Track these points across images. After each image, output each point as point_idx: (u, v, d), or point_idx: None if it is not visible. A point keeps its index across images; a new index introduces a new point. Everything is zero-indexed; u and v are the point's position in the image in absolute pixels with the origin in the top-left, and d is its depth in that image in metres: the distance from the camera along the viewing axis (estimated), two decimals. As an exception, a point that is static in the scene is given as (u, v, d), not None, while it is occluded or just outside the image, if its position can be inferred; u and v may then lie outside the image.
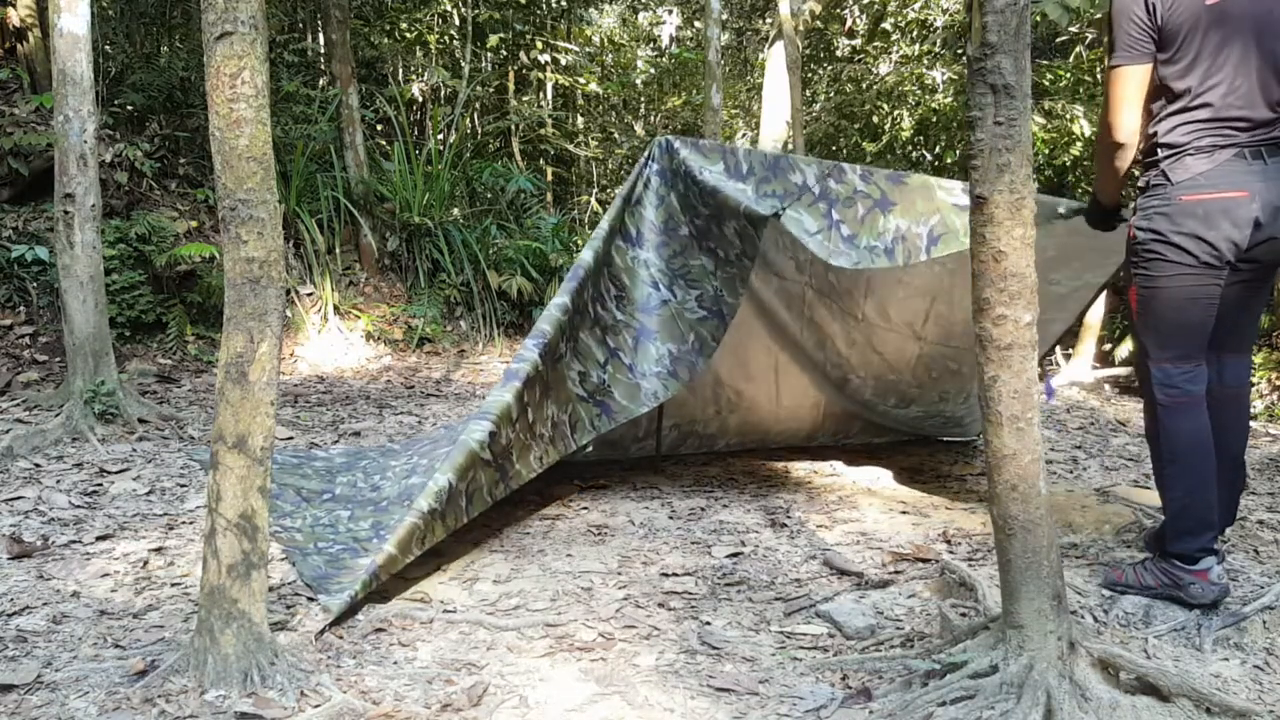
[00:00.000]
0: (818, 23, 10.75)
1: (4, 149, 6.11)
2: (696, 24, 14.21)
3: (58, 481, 3.81)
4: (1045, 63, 9.51)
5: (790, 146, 8.69)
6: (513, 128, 11.53)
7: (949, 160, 10.64)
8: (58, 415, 4.55)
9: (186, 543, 3.16)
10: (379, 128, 9.73)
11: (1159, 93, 2.54)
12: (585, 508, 3.74)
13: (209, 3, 2.09)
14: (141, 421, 4.73)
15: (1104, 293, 5.61)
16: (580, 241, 9.33)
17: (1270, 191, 2.44)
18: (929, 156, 11.03)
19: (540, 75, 12.08)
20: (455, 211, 8.74)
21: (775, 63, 8.76)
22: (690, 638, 2.50)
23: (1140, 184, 2.61)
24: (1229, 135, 2.46)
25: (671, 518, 3.63)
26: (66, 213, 4.64)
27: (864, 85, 11.74)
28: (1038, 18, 6.74)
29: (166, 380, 5.88)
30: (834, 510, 3.75)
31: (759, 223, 3.15)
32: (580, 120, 13.67)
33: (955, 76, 10.53)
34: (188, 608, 2.59)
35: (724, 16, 11.26)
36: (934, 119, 10.74)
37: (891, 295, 4.07)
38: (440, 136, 9.46)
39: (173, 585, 2.78)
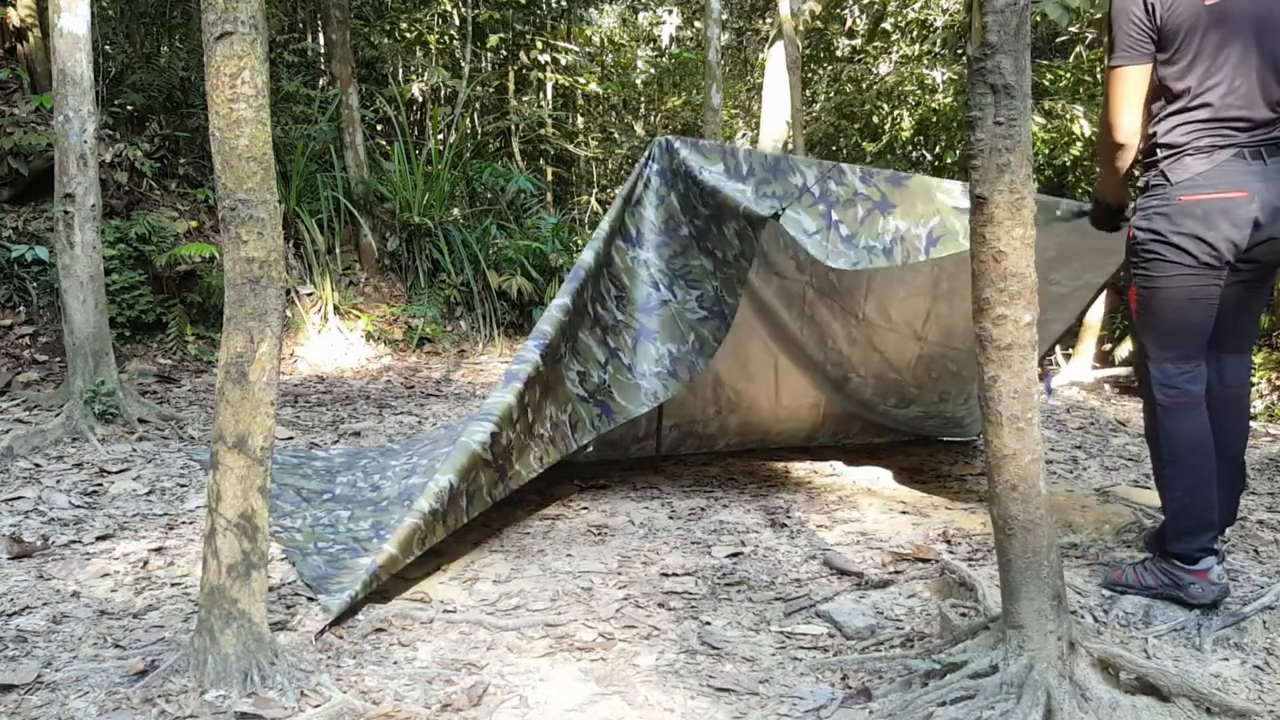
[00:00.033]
0: (818, 23, 10.75)
1: (4, 149, 6.11)
2: (696, 24, 14.22)
3: (58, 481, 3.81)
4: (1045, 63, 9.51)
5: (790, 146, 8.70)
6: (513, 128, 11.53)
7: (949, 160, 10.63)
8: (58, 415, 4.55)
9: (186, 543, 3.16)
10: (379, 128, 9.73)
11: (1158, 93, 2.54)
12: (585, 508, 3.74)
13: (209, 3, 2.09)
14: (141, 421, 4.73)
15: (1104, 293, 5.62)
16: (580, 241, 9.33)
17: (1270, 192, 2.44)
18: (929, 156, 11.03)
19: (540, 75, 12.08)
20: (455, 211, 8.74)
21: (775, 63, 8.76)
22: (690, 638, 2.50)
23: (1140, 184, 2.62)
24: (1228, 135, 2.46)
25: (671, 518, 3.63)
26: (66, 213, 4.64)
27: (864, 85, 11.74)
28: (1038, 18, 6.74)
29: (166, 380, 5.89)
30: (834, 510, 3.75)
31: (758, 223, 3.15)
32: (580, 120, 13.67)
33: (955, 76, 10.53)
34: (188, 608, 2.59)
35: (724, 16, 11.26)
36: (934, 119, 10.74)
37: (892, 295, 4.07)
38: (440, 136, 9.46)
39: (173, 585, 2.79)
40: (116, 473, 3.98)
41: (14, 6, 6.67)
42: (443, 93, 10.67)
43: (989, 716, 1.94)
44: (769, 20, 11.65)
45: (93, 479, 3.88)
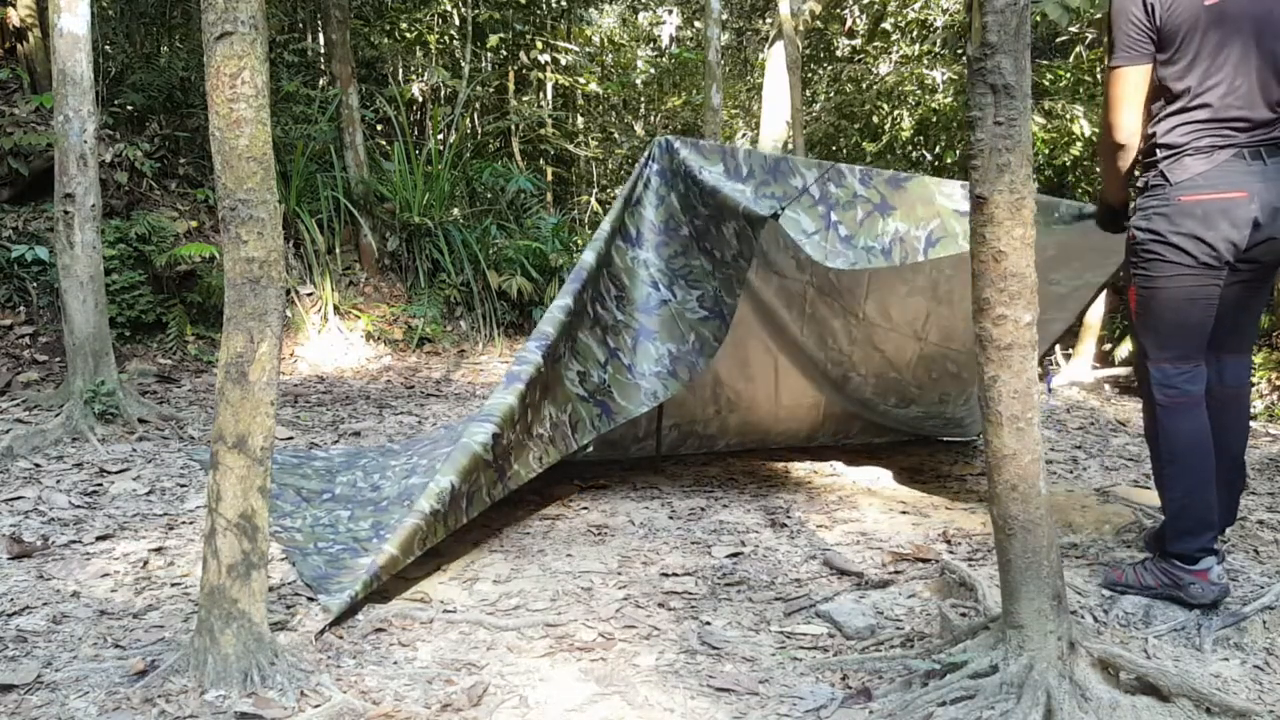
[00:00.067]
0: (818, 23, 10.75)
1: (4, 149, 6.11)
2: (696, 24, 14.22)
3: (58, 481, 3.81)
4: (1045, 63, 9.51)
5: (790, 146, 8.70)
6: (513, 128, 11.53)
7: (949, 160, 10.63)
8: (58, 415, 4.55)
9: (186, 543, 3.16)
10: (379, 128, 9.73)
11: (1158, 93, 2.54)
12: (585, 508, 3.74)
13: (209, 3, 2.09)
14: (141, 421, 4.73)
15: (1104, 292, 5.62)
16: (580, 241, 9.33)
17: (1269, 192, 2.44)
18: (929, 156, 11.03)
19: (540, 75, 12.08)
20: (455, 211, 8.74)
21: (775, 63, 8.76)
22: (690, 638, 2.50)
23: (1139, 184, 2.62)
24: (1228, 136, 2.46)
25: (671, 518, 3.63)
26: (66, 213, 4.64)
27: (864, 85, 11.74)
28: (1038, 18, 6.74)
29: (166, 380, 5.89)
30: (834, 510, 3.75)
31: (757, 223, 3.15)
32: (580, 120, 13.67)
33: (955, 76, 10.53)
34: (188, 608, 2.59)
35: (724, 16, 11.26)
36: (934, 119, 10.74)
37: (893, 295, 4.07)
38: (440, 136, 9.46)
39: (173, 585, 2.79)
40: (116, 473, 3.98)
41: (14, 6, 6.67)
42: (443, 93, 10.67)
43: (989, 716, 1.94)
44: (769, 20, 11.65)
45: (93, 479, 3.88)
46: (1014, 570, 2.07)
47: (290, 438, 4.78)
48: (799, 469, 4.48)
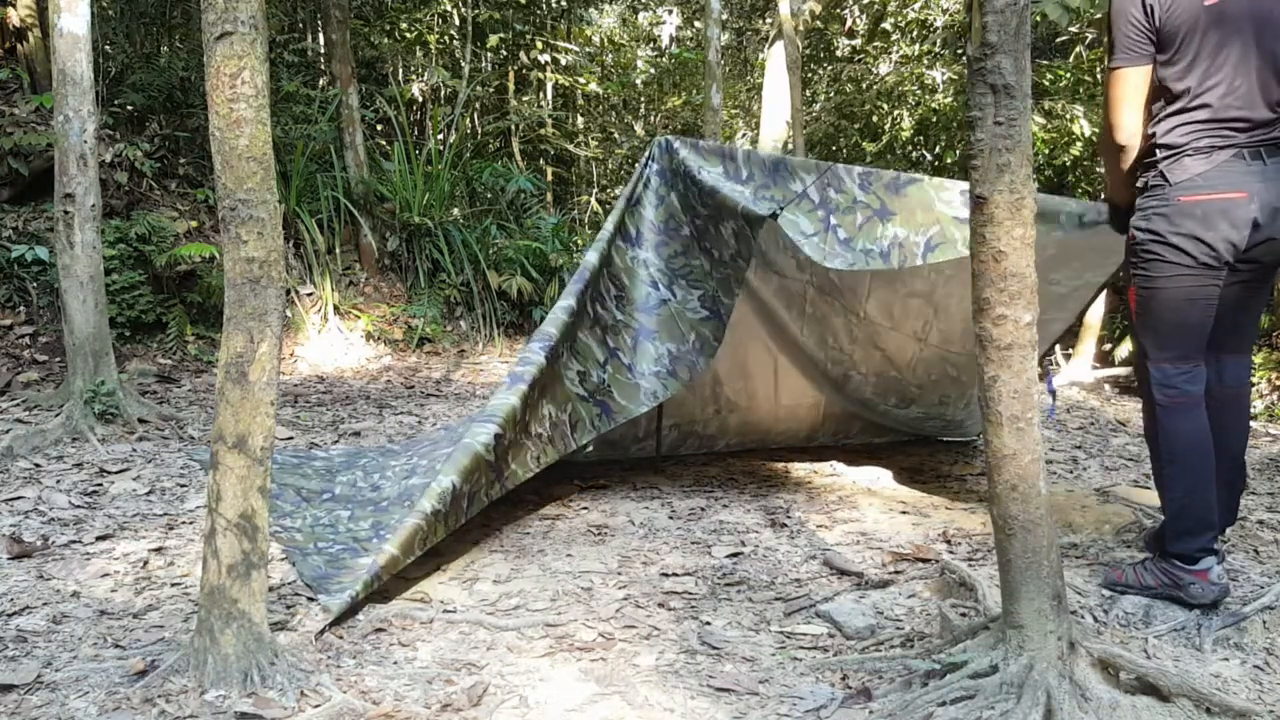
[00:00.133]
0: (818, 23, 10.75)
1: (4, 149, 6.12)
2: (696, 24, 14.22)
3: (58, 481, 3.81)
4: (1045, 63, 9.51)
5: (790, 146, 8.70)
6: (513, 128, 11.53)
7: (949, 160, 10.63)
8: (58, 415, 4.55)
9: (186, 543, 3.16)
10: (379, 128, 9.73)
11: (1158, 93, 2.54)
12: (585, 508, 3.74)
13: (209, 3, 2.09)
14: (141, 421, 4.73)
15: (1104, 292, 5.61)
16: (580, 241, 9.34)
17: (1269, 192, 2.44)
18: (929, 156, 11.03)
19: (540, 75, 12.08)
20: (455, 211, 8.74)
21: (775, 63, 8.76)
22: (690, 638, 2.50)
23: (1139, 184, 2.61)
24: (1228, 136, 2.46)
25: (671, 518, 3.63)
26: (66, 213, 4.64)
27: (864, 85, 11.74)
28: (1038, 18, 6.74)
29: (166, 380, 5.89)
30: (834, 510, 3.75)
31: (756, 223, 3.15)
32: (580, 120, 13.67)
33: (955, 76, 10.53)
34: (188, 608, 2.59)
35: (724, 16, 11.26)
36: (934, 119, 10.74)
37: (893, 296, 4.07)
38: (440, 136, 9.46)
39: (173, 585, 2.79)
40: (116, 473, 3.98)
41: (14, 6, 6.67)
42: (443, 93, 10.67)
43: (989, 716, 1.94)
44: (769, 20, 11.65)
45: (93, 479, 3.88)
46: (1014, 570, 2.07)
47: (290, 438, 4.78)
48: (799, 469, 4.48)
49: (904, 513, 3.72)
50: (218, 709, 2.02)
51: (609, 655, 2.39)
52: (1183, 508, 2.54)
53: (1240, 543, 3.09)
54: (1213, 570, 2.50)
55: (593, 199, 12.71)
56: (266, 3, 2.17)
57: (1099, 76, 9.04)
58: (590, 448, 3.59)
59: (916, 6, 10.98)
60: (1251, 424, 3.27)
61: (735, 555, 3.19)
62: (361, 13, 10.01)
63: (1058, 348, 7.17)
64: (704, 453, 4.71)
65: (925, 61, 11.01)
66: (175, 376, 5.98)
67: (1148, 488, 3.71)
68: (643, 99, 14.71)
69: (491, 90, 11.84)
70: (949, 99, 10.56)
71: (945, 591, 2.76)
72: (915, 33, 11.30)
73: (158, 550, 3.08)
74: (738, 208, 3.19)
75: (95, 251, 4.73)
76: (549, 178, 12.26)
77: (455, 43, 11.14)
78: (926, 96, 10.86)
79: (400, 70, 10.94)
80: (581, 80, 12.49)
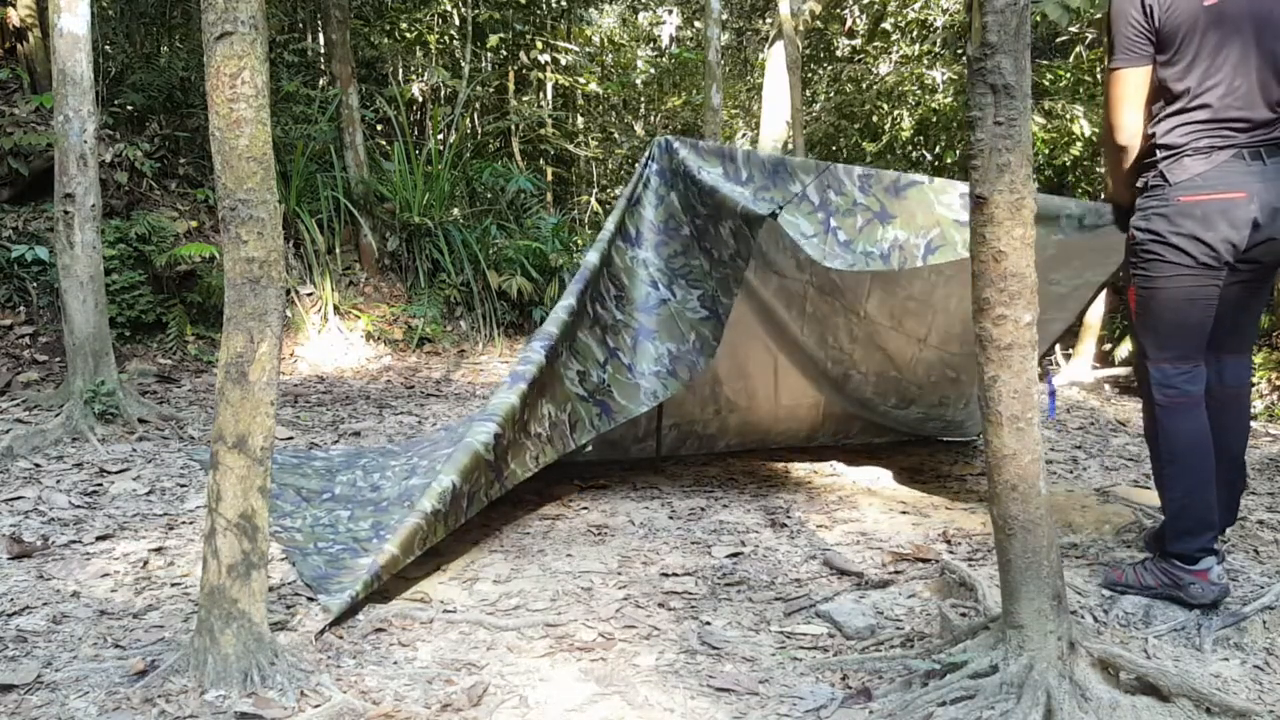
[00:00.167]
0: (818, 23, 10.75)
1: (4, 149, 6.12)
2: (696, 24, 14.22)
3: (58, 481, 3.81)
4: (1045, 63, 9.51)
5: (790, 146, 8.70)
6: (513, 128, 11.53)
7: (949, 160, 10.64)
8: (58, 415, 4.55)
9: (186, 543, 3.16)
10: (379, 128, 9.73)
11: (1158, 94, 2.54)
12: (585, 508, 3.74)
13: (209, 3, 2.09)
14: (141, 421, 4.73)
15: (1104, 292, 5.61)
16: (580, 241, 9.34)
17: (1269, 192, 2.44)
18: (929, 156, 11.03)
19: (540, 75, 12.08)
20: (455, 211, 8.74)
21: (775, 63, 8.76)
22: (690, 638, 2.50)
23: (1139, 184, 2.61)
24: (1227, 136, 2.46)
25: (671, 518, 3.63)
26: (66, 213, 4.64)
27: (864, 85, 11.74)
28: (1038, 18, 6.74)
29: (166, 380, 5.89)
30: (834, 510, 3.75)
31: (755, 222, 3.15)
32: (580, 120, 13.67)
33: (955, 76, 10.53)
34: (188, 608, 2.59)
35: (724, 16, 11.26)
36: (934, 119, 10.74)
37: (893, 296, 4.07)
38: (440, 136, 9.46)
39: (173, 585, 2.79)
40: (116, 473, 3.98)
41: (14, 6, 6.67)
42: (443, 93, 10.68)
43: (989, 716, 1.94)
44: (769, 20, 11.65)
45: (93, 479, 3.88)
46: (1014, 570, 2.07)
47: (290, 438, 4.78)
48: (799, 469, 4.48)
49: (904, 513, 3.72)
50: (218, 709, 2.02)
51: (609, 655, 2.39)
52: (1183, 508, 2.54)
53: (1240, 543, 3.09)
54: (1213, 570, 2.50)
55: (593, 199, 12.71)
56: (266, 3, 2.17)
57: (1099, 76, 9.04)
58: (590, 448, 3.58)
59: (916, 6, 10.98)
60: (1251, 424, 3.27)
61: (735, 555, 3.19)
62: (361, 13, 10.01)
63: (1058, 348, 7.17)
64: (704, 453, 4.71)
65: (925, 61, 11.01)
66: (175, 376, 5.98)
67: (1148, 488, 3.71)
68: (643, 99, 14.72)
69: (491, 90, 11.84)
70: (949, 99, 10.56)
71: (945, 591, 2.76)
72: (915, 33, 11.30)
73: (158, 550, 3.08)
74: (737, 207, 3.19)
75: (95, 251, 4.73)
76: (549, 178, 12.26)
77: (455, 43, 11.14)
78: (926, 96, 10.86)
79: (400, 70, 10.94)
80: (581, 80, 12.49)
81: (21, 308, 5.89)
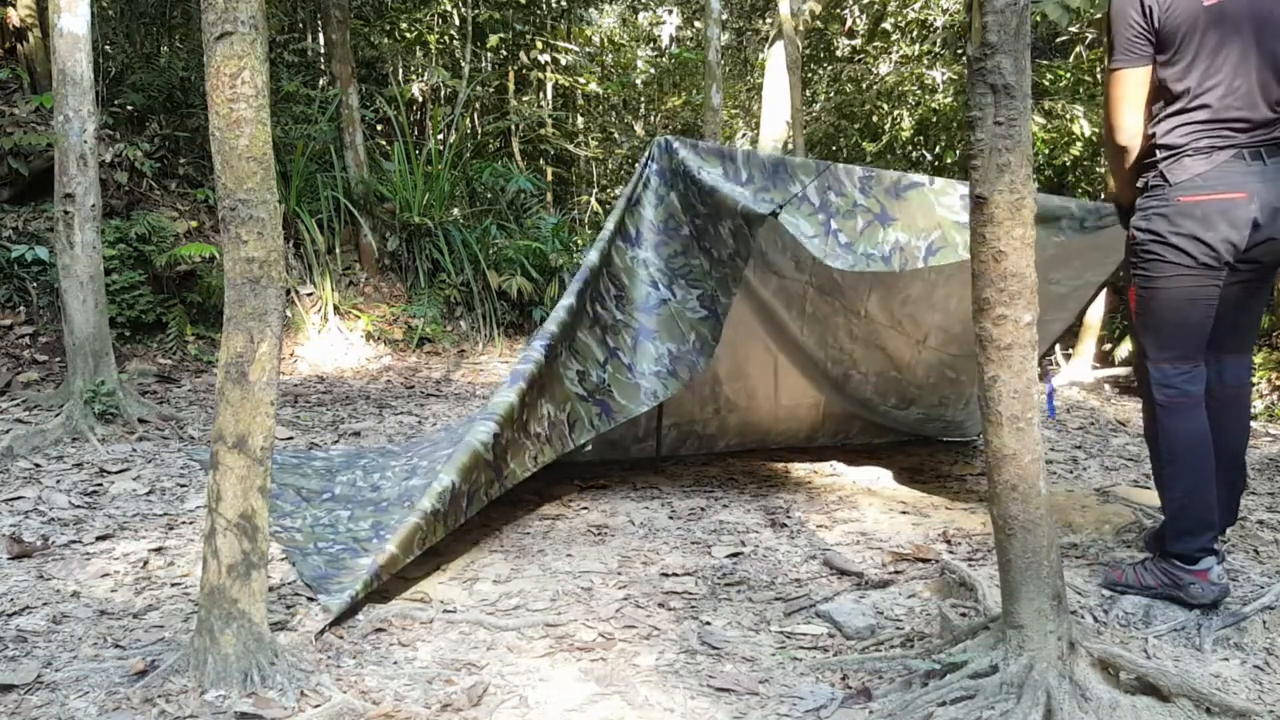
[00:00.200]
0: (818, 23, 10.75)
1: (4, 149, 6.12)
2: (696, 24, 14.22)
3: (58, 481, 3.81)
4: (1045, 63, 9.51)
5: (790, 146, 8.70)
6: (513, 128, 11.53)
7: (949, 160, 10.64)
8: (58, 415, 4.55)
9: (186, 543, 3.16)
10: (379, 128, 9.73)
11: (1158, 94, 2.54)
12: (585, 508, 3.74)
13: (209, 3, 2.09)
14: (141, 421, 4.73)
15: (1104, 292, 5.61)
16: (580, 242, 9.34)
17: (1269, 192, 2.44)
18: (929, 156, 11.04)
19: (540, 75, 12.08)
20: (455, 211, 8.74)
21: (775, 63, 8.76)
22: (690, 638, 2.50)
23: (1139, 184, 2.61)
24: (1228, 136, 2.46)
25: (671, 518, 3.63)
26: (66, 213, 4.64)
27: (864, 85, 11.74)
28: (1038, 18, 6.74)
29: (166, 380, 5.89)
30: (834, 510, 3.75)
31: (756, 221, 3.15)
32: (580, 120, 13.67)
33: (955, 76, 10.53)
34: (188, 608, 2.59)
35: (724, 16, 11.26)
36: (934, 119, 10.74)
37: (892, 298, 4.07)
38: (440, 136, 9.46)
39: (173, 585, 2.79)
40: (116, 473, 3.98)
41: (14, 6, 6.67)
42: (443, 93, 10.67)
43: (989, 716, 1.94)
44: (769, 20, 11.65)
45: (93, 479, 3.88)
46: (1014, 570, 2.07)
47: (290, 438, 4.78)
48: (799, 469, 4.48)
49: (904, 513, 3.72)
50: (218, 709, 2.02)
51: (609, 655, 2.39)
52: (1183, 508, 2.54)
53: (1240, 543, 3.09)
54: (1213, 570, 2.50)
55: (593, 199, 12.71)
56: (266, 3, 2.17)
57: (1099, 76, 9.04)
58: (589, 447, 3.59)
59: (916, 6, 10.99)
60: (1251, 424, 3.27)
61: (735, 555, 3.19)
62: (361, 13, 10.01)
63: (1058, 348, 7.17)
64: (704, 453, 4.71)
65: (925, 61, 11.01)
66: (175, 376, 5.98)
67: (1148, 488, 3.71)
68: (643, 99, 14.72)
69: (491, 90, 11.84)
70: (949, 99, 10.56)
71: (945, 591, 2.76)
72: (915, 33, 11.30)
73: (158, 550, 3.08)
74: (737, 207, 3.19)
75: (95, 251, 4.73)
76: (549, 178, 12.26)
77: (455, 43, 11.14)
78: (926, 96, 10.87)
79: (400, 70, 10.94)
80: (581, 80, 12.49)
81: (21, 308, 5.89)
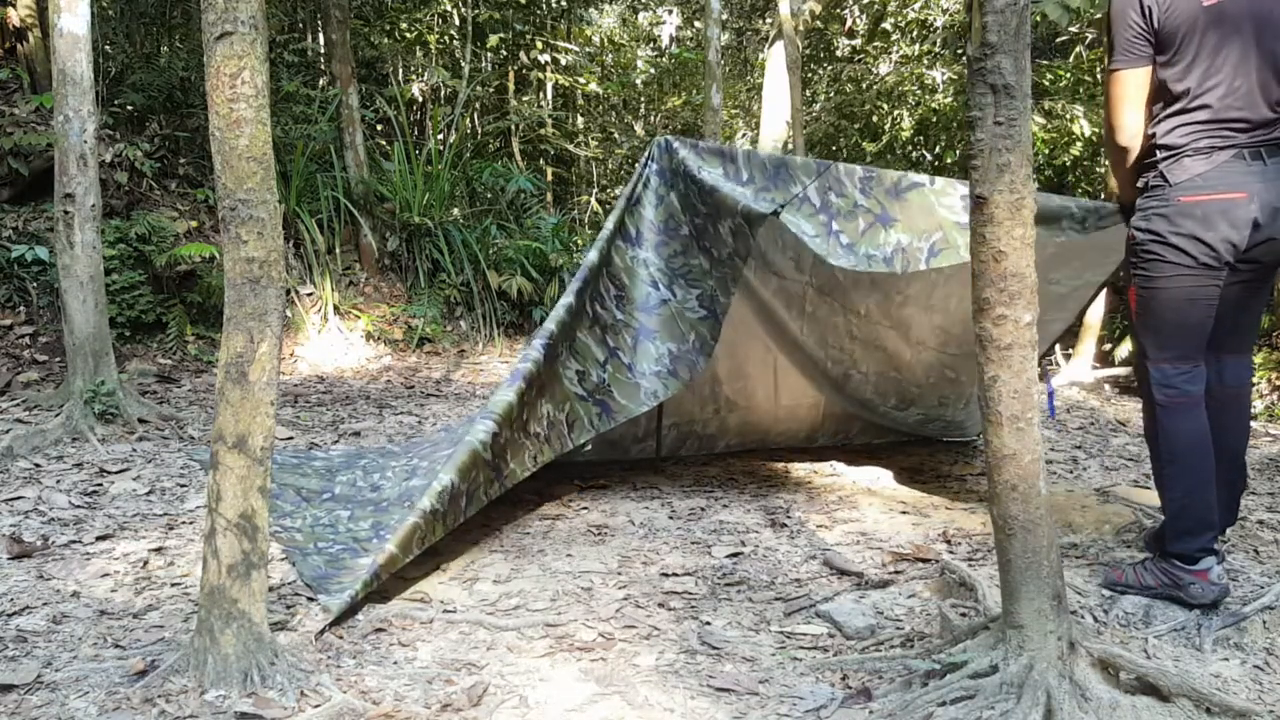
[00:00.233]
0: (818, 23, 10.76)
1: (4, 149, 6.12)
2: (696, 24, 14.22)
3: (58, 481, 3.81)
4: (1045, 63, 9.51)
5: (790, 146, 8.70)
6: (513, 128, 11.53)
7: (949, 160, 10.64)
8: (58, 415, 4.55)
9: (186, 543, 3.16)
10: (379, 128, 9.73)
11: (1158, 94, 2.54)
12: (585, 508, 3.74)
13: (209, 3, 2.09)
14: (141, 421, 4.73)
15: (1104, 292, 5.61)
16: (580, 242, 9.34)
17: (1269, 192, 2.44)
18: (929, 156, 11.04)
19: (540, 75, 12.08)
20: (455, 211, 8.74)
21: (775, 63, 8.76)
22: (690, 638, 2.50)
23: (1139, 184, 2.61)
24: (1228, 136, 2.46)
25: (671, 518, 3.63)
26: (66, 213, 4.64)
27: (864, 85, 11.74)
28: (1038, 18, 6.74)
29: (166, 380, 5.89)
30: (834, 510, 3.75)
31: (756, 220, 3.14)
32: (580, 120, 13.68)
33: (955, 76, 10.53)
34: (188, 608, 2.59)
35: (724, 16, 11.26)
36: (934, 119, 10.74)
37: (892, 298, 4.07)
38: (440, 136, 9.46)
39: (173, 585, 2.79)
40: (116, 473, 3.98)
41: (14, 6, 6.67)
42: (443, 93, 10.68)
43: (989, 716, 1.94)
44: (769, 20, 11.65)
45: (93, 479, 3.88)
46: (1014, 570, 2.07)
47: (290, 438, 4.78)
48: (799, 469, 4.48)
49: (904, 513, 3.72)
50: (218, 709, 2.02)
51: (609, 655, 2.39)
52: (1183, 508, 2.54)
53: (1240, 543, 3.09)
54: (1213, 570, 2.50)
55: (593, 199, 12.71)
56: (266, 3, 2.17)
57: (1099, 76, 9.04)
58: (589, 447, 3.58)
59: (916, 6, 10.99)
60: (1251, 424, 3.27)
61: (735, 555, 3.19)
62: (361, 13, 10.01)
63: (1058, 348, 7.17)
64: (704, 453, 4.71)
65: (925, 61, 11.01)
66: (175, 376, 5.98)
67: (1148, 488, 3.71)
68: (643, 99, 14.72)
69: (491, 90, 11.84)
70: (949, 99, 10.57)
71: (945, 591, 2.76)
72: (915, 33, 11.31)
73: (158, 550, 3.08)
74: (737, 206, 3.19)
75: (95, 251, 4.73)
76: (549, 178, 12.26)
77: (455, 43, 11.14)
78: (926, 96, 10.87)
79: (400, 70, 10.94)
80: (581, 80, 12.49)
81: (21, 308, 5.89)
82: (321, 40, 9.78)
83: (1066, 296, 3.88)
